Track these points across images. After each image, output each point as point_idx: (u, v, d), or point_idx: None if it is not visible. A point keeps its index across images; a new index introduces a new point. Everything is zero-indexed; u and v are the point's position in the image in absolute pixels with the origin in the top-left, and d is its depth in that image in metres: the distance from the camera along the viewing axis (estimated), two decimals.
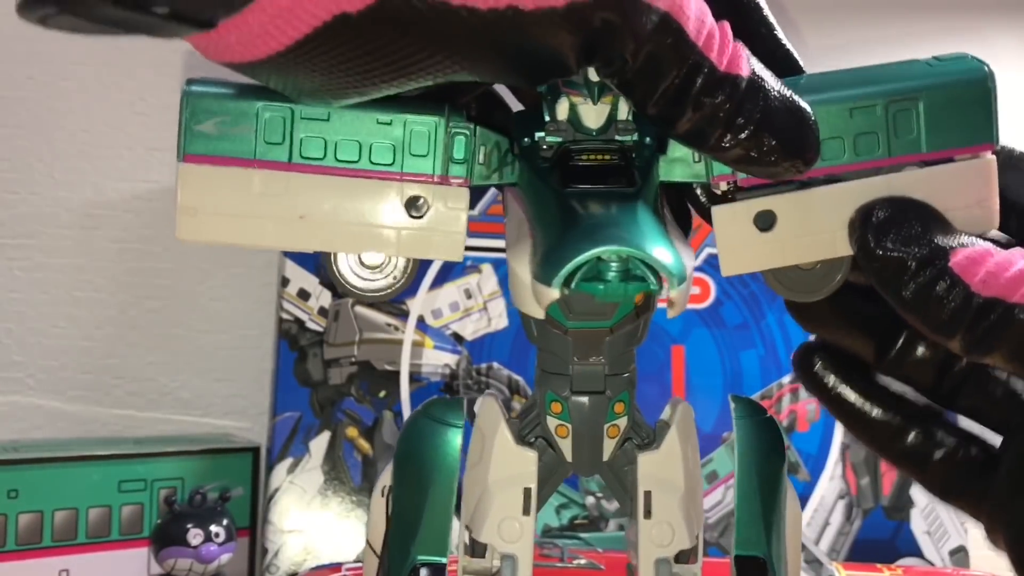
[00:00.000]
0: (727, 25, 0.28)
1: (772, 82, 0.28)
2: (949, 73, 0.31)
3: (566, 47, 0.26)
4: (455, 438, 0.32)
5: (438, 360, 0.76)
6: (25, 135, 0.80)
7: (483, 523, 0.32)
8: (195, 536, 0.67)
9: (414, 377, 0.75)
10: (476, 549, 0.33)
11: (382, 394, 0.75)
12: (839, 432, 0.76)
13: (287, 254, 0.76)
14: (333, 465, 0.74)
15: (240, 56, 0.27)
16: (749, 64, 0.27)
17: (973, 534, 0.80)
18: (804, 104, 0.28)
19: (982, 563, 0.78)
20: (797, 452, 0.77)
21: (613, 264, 0.27)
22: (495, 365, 0.76)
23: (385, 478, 0.33)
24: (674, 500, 0.33)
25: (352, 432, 0.74)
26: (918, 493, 0.77)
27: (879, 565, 0.67)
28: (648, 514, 0.32)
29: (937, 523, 0.77)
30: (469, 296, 0.77)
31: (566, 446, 0.33)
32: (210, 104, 0.30)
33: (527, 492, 0.32)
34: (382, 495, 0.33)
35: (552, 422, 0.33)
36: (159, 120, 0.82)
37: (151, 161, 0.83)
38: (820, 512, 0.77)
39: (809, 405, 0.77)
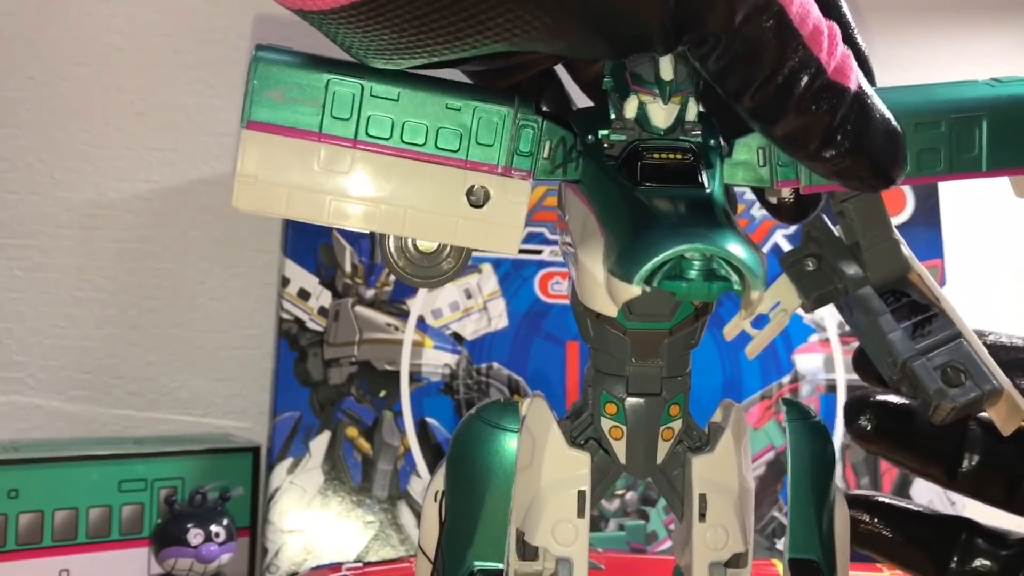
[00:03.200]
0: (836, 27, 0.27)
1: (875, 98, 0.27)
2: (1012, 94, 0.31)
3: (655, 16, 0.25)
4: (511, 442, 0.31)
5: (438, 360, 0.76)
6: (25, 135, 0.80)
7: (537, 526, 0.32)
8: (195, 536, 0.67)
9: (414, 377, 0.75)
10: (527, 552, 0.32)
11: (382, 394, 0.75)
12: (839, 432, 0.76)
13: (287, 253, 0.76)
14: (333, 465, 0.74)
15: (314, 3, 0.26)
16: (856, 75, 0.27)
17: None
18: (897, 123, 0.28)
19: None
20: None
21: (696, 263, 0.26)
22: (495, 365, 0.76)
23: (437, 483, 0.33)
24: (728, 503, 0.32)
25: (352, 432, 0.74)
26: (918, 493, 0.77)
27: (879, 565, 0.67)
28: (703, 517, 0.32)
29: None
30: (469, 296, 0.77)
31: (620, 448, 0.33)
32: (279, 72, 0.29)
33: (581, 495, 0.32)
34: (435, 500, 0.33)
35: (606, 423, 0.33)
36: (159, 120, 0.82)
37: (151, 161, 0.83)
38: None
39: (810, 405, 0.77)
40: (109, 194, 0.82)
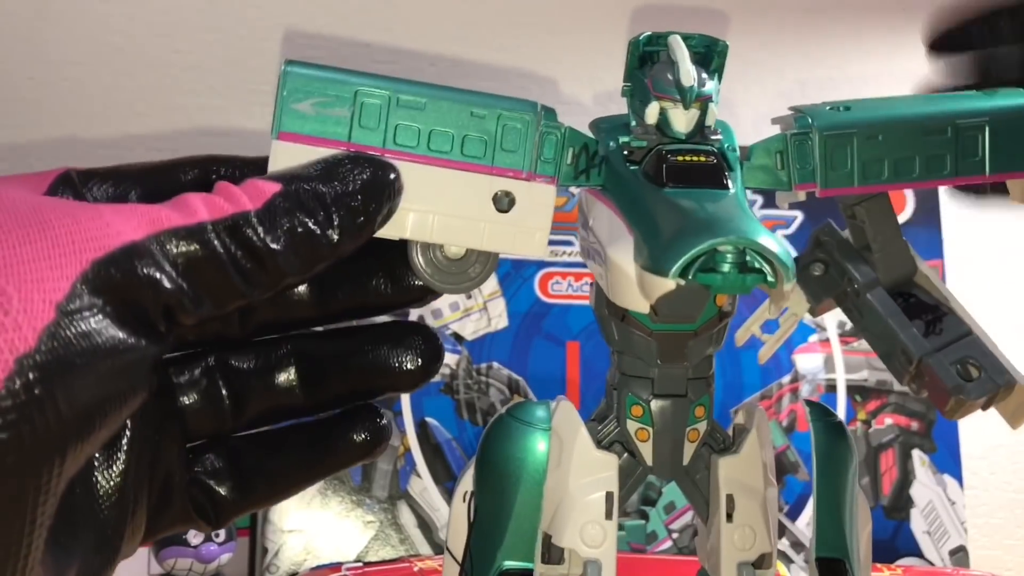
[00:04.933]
0: None
1: None
2: (1012, 104, 0.33)
3: None
4: (542, 440, 0.32)
5: None
6: (25, 135, 0.80)
7: (565, 528, 0.32)
8: (195, 536, 0.67)
9: None
10: (552, 555, 0.32)
11: None
12: None
13: None
14: None
15: None
16: None
17: (973, 534, 0.80)
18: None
19: (982, 563, 0.78)
20: (797, 452, 0.77)
21: (729, 256, 0.27)
22: (495, 365, 0.76)
23: (466, 483, 0.33)
24: (755, 504, 0.33)
25: None
26: (918, 493, 0.77)
27: (879, 565, 0.67)
28: (730, 517, 0.32)
29: (937, 523, 0.77)
30: (469, 296, 0.77)
31: (646, 450, 0.33)
32: (308, 84, 0.30)
33: (609, 496, 0.32)
34: (463, 500, 0.33)
35: (632, 426, 0.33)
36: (159, 120, 0.82)
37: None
38: None
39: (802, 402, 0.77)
40: None
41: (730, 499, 0.32)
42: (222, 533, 0.68)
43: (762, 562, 0.33)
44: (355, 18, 0.85)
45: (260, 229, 0.27)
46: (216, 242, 0.27)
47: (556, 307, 0.77)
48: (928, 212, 0.81)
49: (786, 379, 0.78)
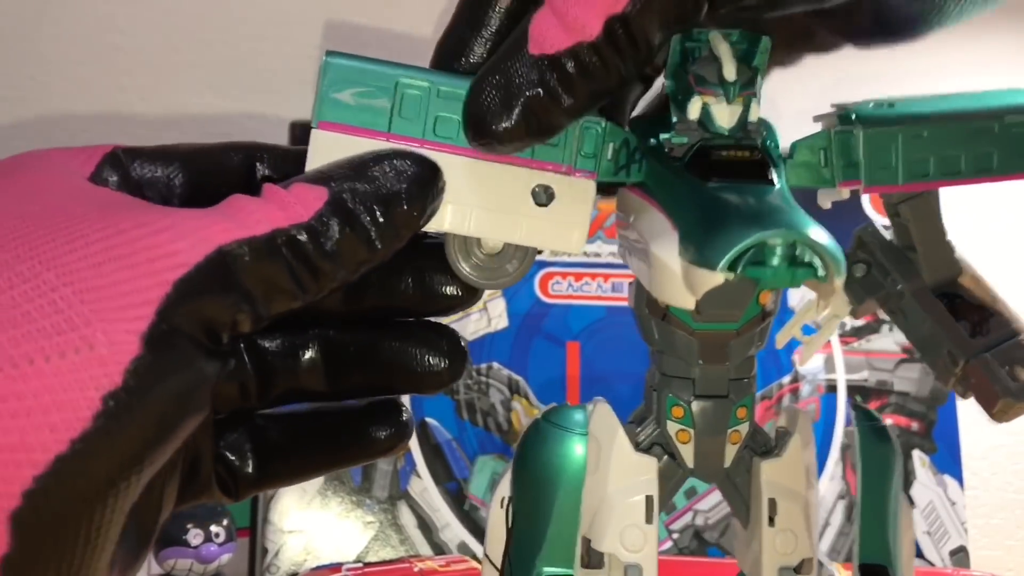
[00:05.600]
0: None
1: None
2: None
3: None
4: (579, 444, 0.31)
5: None
6: (25, 135, 0.80)
7: (604, 533, 0.31)
8: (195, 536, 0.67)
9: None
10: (592, 559, 0.32)
11: None
12: (839, 432, 0.76)
13: None
14: None
15: None
16: None
17: (973, 534, 0.80)
18: None
19: (982, 563, 0.78)
20: None
21: (779, 249, 0.26)
22: (495, 365, 0.76)
23: (504, 488, 0.32)
24: (797, 508, 0.32)
25: None
26: (918, 493, 0.77)
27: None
28: (772, 522, 0.32)
29: (937, 523, 0.77)
30: None
31: (687, 452, 0.32)
32: (349, 74, 0.29)
33: (649, 500, 0.31)
34: (501, 506, 0.32)
35: (673, 427, 0.32)
36: (159, 120, 0.82)
37: None
38: (820, 512, 0.77)
39: (810, 405, 0.77)
40: None
41: (772, 503, 0.32)
42: (222, 533, 0.68)
43: (802, 567, 0.32)
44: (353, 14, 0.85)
45: (315, 241, 0.27)
46: (282, 254, 0.27)
47: (556, 307, 0.77)
48: None
49: (786, 379, 0.78)
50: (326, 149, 0.29)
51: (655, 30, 0.27)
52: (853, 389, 0.78)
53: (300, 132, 0.78)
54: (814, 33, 0.34)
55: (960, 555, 0.76)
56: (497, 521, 0.32)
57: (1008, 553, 0.86)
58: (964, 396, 0.33)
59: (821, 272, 0.26)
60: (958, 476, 0.77)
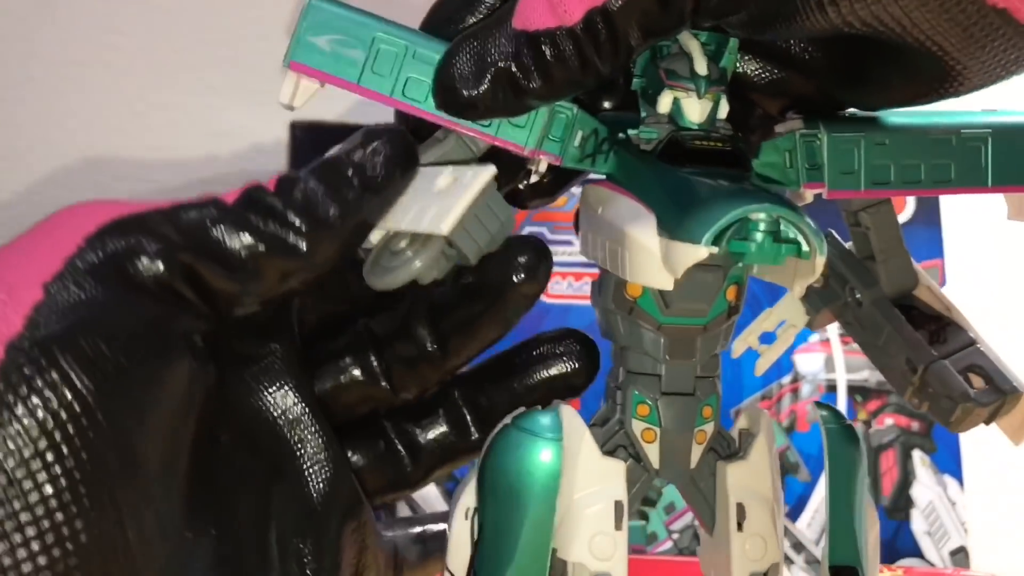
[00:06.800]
0: None
1: None
2: (1016, 121, 0.33)
3: None
4: (553, 451, 0.29)
5: None
6: (25, 135, 0.80)
7: (572, 541, 0.30)
8: None
9: None
10: (555, 568, 0.30)
11: None
12: None
13: None
14: None
15: None
16: None
17: (973, 534, 0.80)
18: None
19: (982, 564, 0.78)
20: (797, 452, 0.77)
21: (763, 224, 0.26)
22: None
23: (468, 499, 0.31)
24: (765, 512, 0.31)
25: None
26: (918, 493, 0.77)
27: (879, 565, 0.67)
28: (740, 527, 0.31)
29: (937, 523, 0.77)
30: None
31: (653, 451, 0.32)
32: (329, 19, 0.29)
33: (618, 505, 0.30)
34: (465, 517, 0.31)
35: (638, 426, 0.31)
36: (159, 120, 0.82)
37: (151, 161, 0.82)
38: (821, 513, 0.77)
39: (809, 405, 0.77)
40: (109, 195, 0.82)
41: (740, 508, 0.31)
42: None
43: (770, 572, 0.32)
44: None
45: (270, 193, 0.29)
46: (219, 209, 0.29)
47: (556, 307, 0.77)
48: (928, 212, 0.81)
49: (786, 379, 0.78)
50: (294, 92, 0.30)
51: (633, 32, 0.27)
52: (853, 389, 0.78)
53: (300, 132, 0.78)
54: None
55: (960, 555, 0.76)
56: (461, 532, 0.31)
57: (1008, 553, 0.86)
58: (919, 407, 0.33)
59: (805, 248, 0.26)
60: (958, 476, 0.77)
